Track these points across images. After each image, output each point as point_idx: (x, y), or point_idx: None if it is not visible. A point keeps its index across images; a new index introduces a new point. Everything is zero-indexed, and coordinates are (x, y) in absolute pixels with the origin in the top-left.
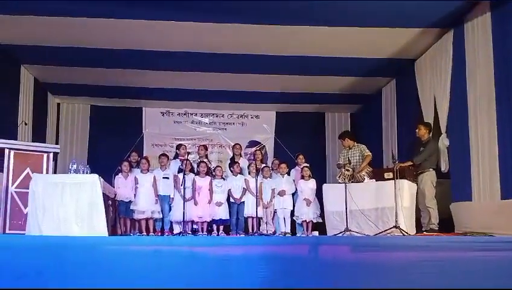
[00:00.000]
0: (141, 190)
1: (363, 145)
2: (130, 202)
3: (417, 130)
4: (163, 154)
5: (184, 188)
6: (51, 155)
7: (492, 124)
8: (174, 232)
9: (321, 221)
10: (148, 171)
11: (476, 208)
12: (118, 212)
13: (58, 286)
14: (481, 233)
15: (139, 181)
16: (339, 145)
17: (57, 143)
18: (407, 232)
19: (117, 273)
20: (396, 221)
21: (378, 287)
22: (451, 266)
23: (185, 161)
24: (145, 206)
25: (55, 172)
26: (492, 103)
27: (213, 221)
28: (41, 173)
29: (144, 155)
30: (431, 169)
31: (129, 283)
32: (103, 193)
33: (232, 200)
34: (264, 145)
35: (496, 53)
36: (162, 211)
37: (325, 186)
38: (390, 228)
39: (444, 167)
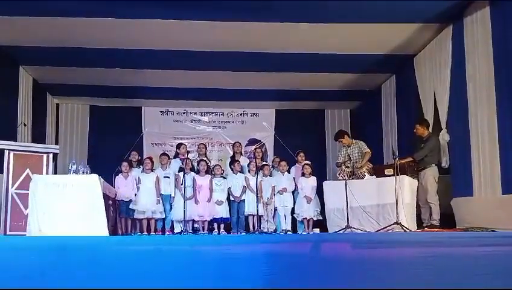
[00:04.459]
0: (143, 189)
1: (362, 142)
2: (131, 201)
3: (415, 131)
4: (164, 154)
5: (184, 187)
6: (51, 156)
7: (492, 119)
8: (175, 231)
9: (322, 218)
10: (151, 170)
11: (477, 203)
12: (119, 212)
13: (59, 287)
14: (482, 228)
15: (141, 181)
16: (338, 143)
17: (56, 144)
18: (408, 229)
19: (118, 273)
20: (397, 217)
21: (380, 284)
22: (452, 261)
23: (185, 160)
24: (145, 206)
25: (55, 173)
26: (492, 98)
27: (214, 219)
28: (41, 173)
29: (147, 155)
30: (433, 165)
31: (130, 283)
32: (103, 193)
33: (232, 198)
34: (263, 143)
35: (495, 48)
36: (164, 210)
37: (325, 183)
38: (392, 225)
39: (445, 162)
